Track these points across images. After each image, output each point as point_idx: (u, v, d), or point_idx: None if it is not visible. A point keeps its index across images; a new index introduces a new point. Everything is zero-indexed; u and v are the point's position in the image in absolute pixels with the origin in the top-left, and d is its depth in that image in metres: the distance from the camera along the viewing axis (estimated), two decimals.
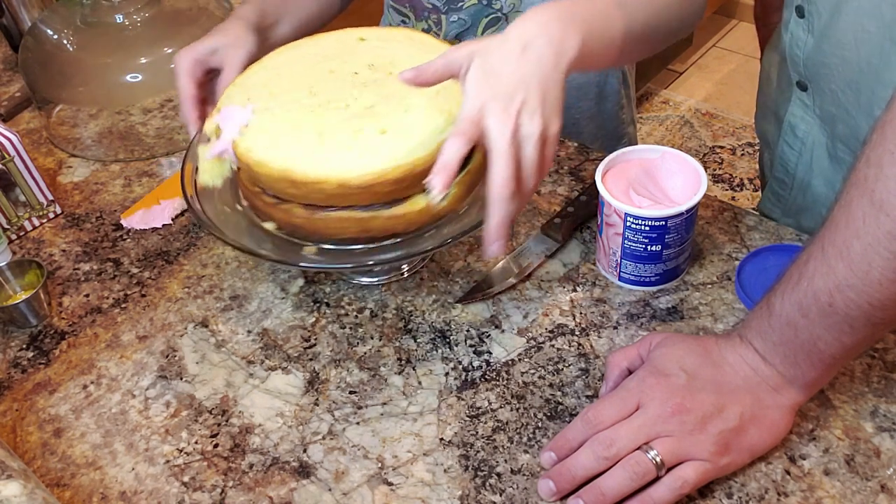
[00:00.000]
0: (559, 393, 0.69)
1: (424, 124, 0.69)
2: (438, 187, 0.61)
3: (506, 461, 0.64)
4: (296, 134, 0.70)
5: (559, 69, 0.63)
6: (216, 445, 0.68)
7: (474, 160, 0.71)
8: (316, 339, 0.76)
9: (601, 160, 0.76)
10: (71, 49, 0.99)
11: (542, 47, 0.63)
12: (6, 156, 0.87)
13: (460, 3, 0.98)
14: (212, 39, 0.83)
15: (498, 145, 0.60)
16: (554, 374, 0.70)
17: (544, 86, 0.62)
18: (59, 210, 0.93)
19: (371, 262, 0.71)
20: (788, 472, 0.62)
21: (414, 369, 0.72)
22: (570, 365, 0.71)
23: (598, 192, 0.74)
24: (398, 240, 0.72)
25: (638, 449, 0.59)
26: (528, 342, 0.73)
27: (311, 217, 0.70)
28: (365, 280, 0.81)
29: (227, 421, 0.69)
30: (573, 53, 0.63)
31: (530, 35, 0.63)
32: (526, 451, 0.65)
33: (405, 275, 0.81)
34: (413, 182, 0.67)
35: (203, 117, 0.81)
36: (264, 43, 0.86)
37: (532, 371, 0.71)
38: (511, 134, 0.60)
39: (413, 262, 0.81)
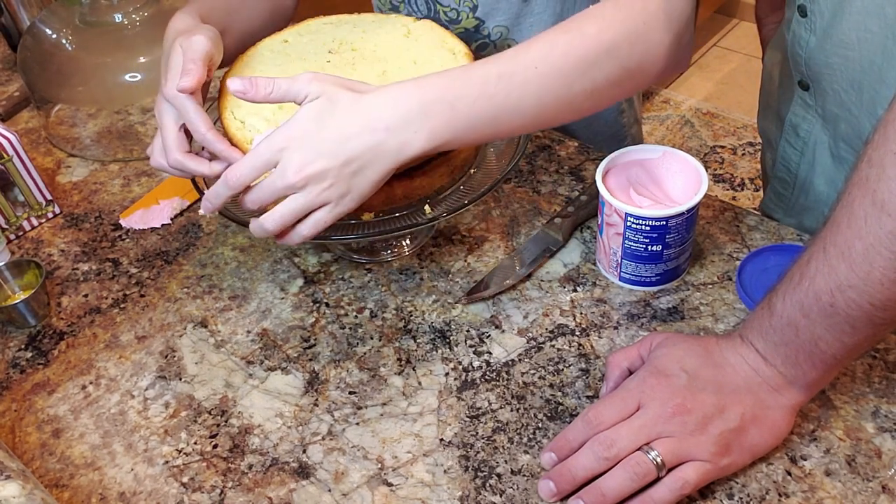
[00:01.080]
0: (559, 393, 0.69)
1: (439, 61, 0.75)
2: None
3: (506, 462, 0.64)
4: None
5: (383, 165, 0.63)
6: (215, 446, 0.67)
7: None
8: (315, 339, 0.75)
9: (601, 160, 0.76)
10: (70, 48, 0.99)
11: (381, 142, 0.62)
12: (5, 155, 0.87)
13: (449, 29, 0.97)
14: (203, 31, 0.71)
15: (274, 182, 0.63)
16: (554, 375, 0.70)
17: (357, 179, 0.63)
18: (57, 210, 0.93)
19: (428, 220, 0.72)
20: (789, 473, 0.62)
21: (414, 369, 0.72)
22: (570, 365, 0.71)
23: (598, 191, 0.73)
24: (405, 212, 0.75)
25: (638, 449, 0.59)
26: (528, 342, 0.73)
27: (410, 184, 0.72)
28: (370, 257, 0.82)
29: (226, 421, 0.69)
30: (411, 153, 0.63)
31: (379, 115, 0.62)
32: (526, 452, 0.65)
33: (407, 252, 0.82)
34: None
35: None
36: None
37: (532, 371, 0.71)
38: (288, 184, 0.62)
39: (418, 239, 0.84)
